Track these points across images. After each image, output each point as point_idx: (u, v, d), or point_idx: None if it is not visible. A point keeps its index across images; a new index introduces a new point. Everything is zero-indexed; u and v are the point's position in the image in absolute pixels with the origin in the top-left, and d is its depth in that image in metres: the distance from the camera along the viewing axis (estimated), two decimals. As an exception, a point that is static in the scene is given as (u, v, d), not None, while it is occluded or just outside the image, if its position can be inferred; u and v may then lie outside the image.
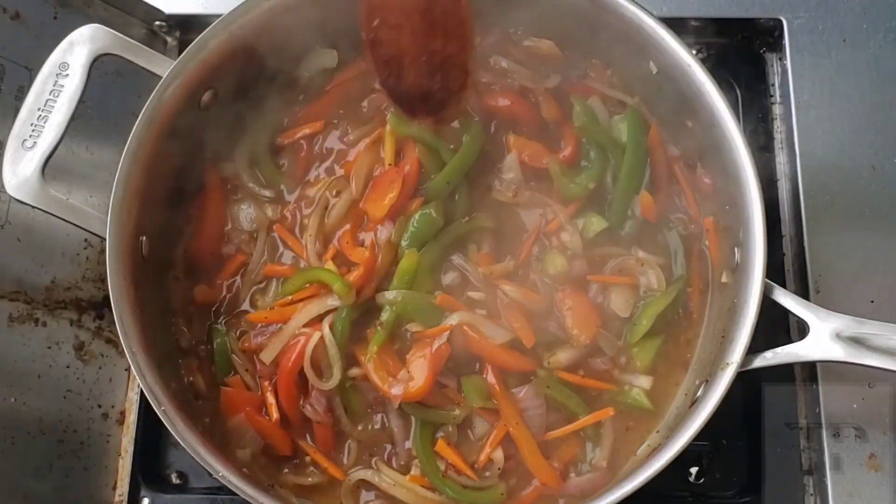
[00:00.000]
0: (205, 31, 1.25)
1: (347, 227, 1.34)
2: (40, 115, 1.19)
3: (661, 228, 1.35)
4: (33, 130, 1.19)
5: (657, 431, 1.25)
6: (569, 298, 1.29)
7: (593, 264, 1.33)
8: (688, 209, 1.36)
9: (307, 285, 1.29)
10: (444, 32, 1.06)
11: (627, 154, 1.33)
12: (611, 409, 1.24)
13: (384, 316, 1.25)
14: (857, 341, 1.10)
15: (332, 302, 1.26)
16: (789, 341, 1.14)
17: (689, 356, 1.30)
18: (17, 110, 1.21)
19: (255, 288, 1.36)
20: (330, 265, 1.29)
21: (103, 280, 1.28)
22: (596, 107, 1.37)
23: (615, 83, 1.40)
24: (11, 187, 1.17)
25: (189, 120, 1.29)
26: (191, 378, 1.30)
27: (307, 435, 1.28)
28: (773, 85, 1.57)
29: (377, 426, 1.27)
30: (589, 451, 1.26)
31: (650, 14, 1.24)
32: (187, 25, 1.57)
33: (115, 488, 1.42)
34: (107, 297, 1.16)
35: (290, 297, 1.30)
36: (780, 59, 1.56)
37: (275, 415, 1.25)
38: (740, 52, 1.58)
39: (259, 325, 1.31)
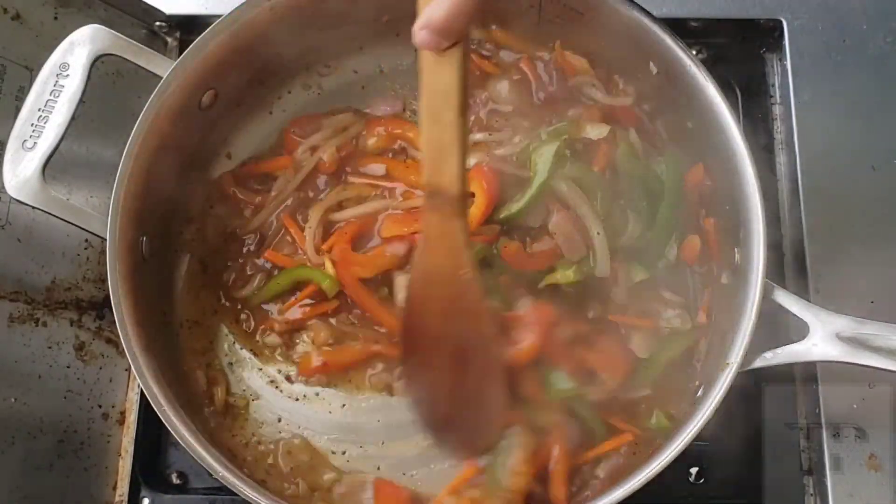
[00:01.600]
0: (205, 32, 1.25)
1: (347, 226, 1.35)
2: (40, 116, 1.19)
3: (685, 268, 1.33)
4: (34, 131, 1.19)
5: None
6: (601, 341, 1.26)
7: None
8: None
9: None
10: (477, 372, 1.14)
11: (666, 198, 1.30)
12: (629, 434, 1.22)
13: None
14: (857, 342, 1.10)
15: None
16: (789, 341, 1.14)
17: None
18: (17, 110, 1.21)
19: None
20: (327, 263, 1.30)
21: (103, 280, 1.28)
22: (633, 140, 1.34)
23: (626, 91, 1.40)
24: (12, 188, 1.17)
25: (189, 120, 1.29)
26: (208, 388, 1.32)
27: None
28: (773, 85, 1.57)
29: None
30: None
31: (650, 14, 1.24)
32: (188, 26, 1.57)
33: (115, 488, 1.42)
34: (107, 298, 1.16)
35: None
36: (780, 59, 1.56)
37: None
38: (740, 52, 1.58)
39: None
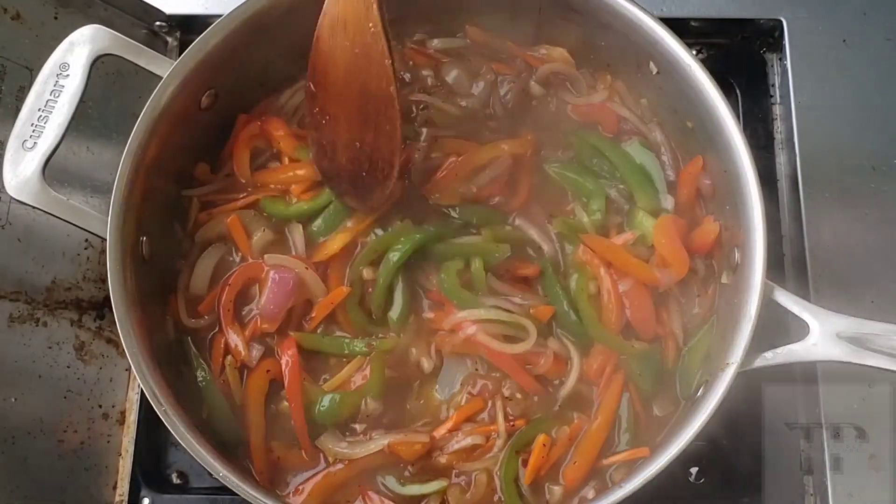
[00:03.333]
0: (205, 32, 1.25)
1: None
2: (41, 116, 1.19)
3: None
4: (34, 131, 1.18)
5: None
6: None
7: None
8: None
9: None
10: (374, 127, 1.17)
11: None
12: (647, 448, 1.21)
13: None
14: (857, 342, 1.10)
15: None
16: (789, 341, 1.14)
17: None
18: (17, 110, 1.21)
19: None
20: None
21: (104, 280, 1.28)
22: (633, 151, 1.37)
23: (625, 95, 1.40)
24: (12, 188, 1.17)
25: (189, 120, 1.29)
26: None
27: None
28: (773, 85, 1.57)
29: None
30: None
31: (650, 14, 1.24)
32: (187, 25, 1.57)
33: (115, 488, 1.42)
34: (107, 297, 1.16)
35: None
36: (780, 59, 1.56)
37: None
38: (740, 52, 1.58)
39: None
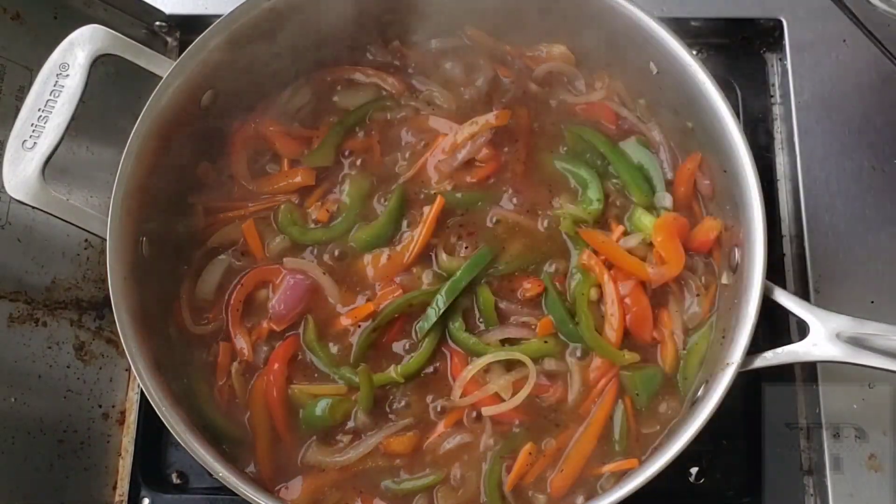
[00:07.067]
0: (205, 32, 1.25)
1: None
2: (40, 116, 1.19)
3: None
4: (33, 131, 1.18)
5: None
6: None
7: None
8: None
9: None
10: None
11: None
12: (636, 460, 1.21)
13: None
14: (857, 342, 1.10)
15: None
16: (789, 341, 1.14)
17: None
18: (17, 110, 1.21)
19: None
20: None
21: (103, 280, 1.28)
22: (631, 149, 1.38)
23: (623, 94, 1.40)
24: (11, 188, 1.17)
25: (189, 120, 1.29)
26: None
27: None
28: (773, 85, 1.57)
29: None
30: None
31: (650, 14, 1.24)
32: (187, 25, 1.57)
33: (115, 488, 1.42)
34: (107, 298, 1.16)
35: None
36: (780, 59, 1.56)
37: None
38: (740, 52, 1.58)
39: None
